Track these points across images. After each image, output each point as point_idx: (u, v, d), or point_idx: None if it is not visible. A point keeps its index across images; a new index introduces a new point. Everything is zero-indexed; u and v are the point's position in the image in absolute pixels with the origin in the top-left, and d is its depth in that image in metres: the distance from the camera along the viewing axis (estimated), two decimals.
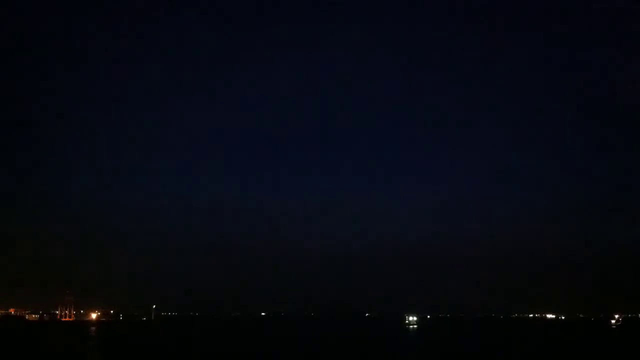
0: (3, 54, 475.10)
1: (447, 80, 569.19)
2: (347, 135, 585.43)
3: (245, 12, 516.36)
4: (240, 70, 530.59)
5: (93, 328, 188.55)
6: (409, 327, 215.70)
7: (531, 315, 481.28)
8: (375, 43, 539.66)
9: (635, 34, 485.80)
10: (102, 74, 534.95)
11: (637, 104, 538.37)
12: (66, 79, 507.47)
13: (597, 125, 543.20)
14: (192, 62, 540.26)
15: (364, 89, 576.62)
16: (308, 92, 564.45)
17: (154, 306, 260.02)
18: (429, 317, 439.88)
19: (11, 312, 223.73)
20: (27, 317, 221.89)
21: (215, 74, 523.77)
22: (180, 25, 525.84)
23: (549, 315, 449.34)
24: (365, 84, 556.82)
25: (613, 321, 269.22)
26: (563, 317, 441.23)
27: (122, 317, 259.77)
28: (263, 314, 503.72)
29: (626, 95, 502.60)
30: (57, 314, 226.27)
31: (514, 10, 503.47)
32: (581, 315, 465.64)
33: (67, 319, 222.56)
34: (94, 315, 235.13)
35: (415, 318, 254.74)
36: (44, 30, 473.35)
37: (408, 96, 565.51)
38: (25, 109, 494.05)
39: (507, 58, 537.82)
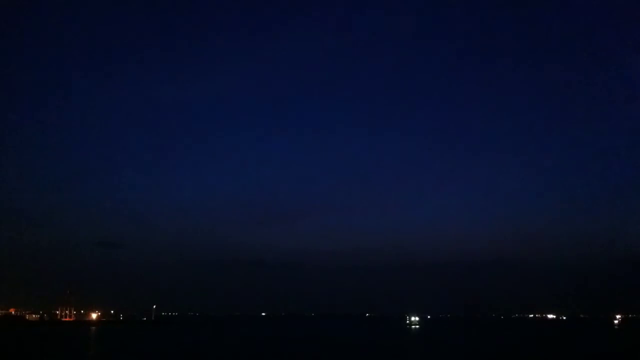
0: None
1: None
2: (347, 134, 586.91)
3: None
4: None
5: (93, 328, 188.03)
6: (411, 327, 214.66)
7: (532, 315, 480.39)
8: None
9: None
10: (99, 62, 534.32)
11: None
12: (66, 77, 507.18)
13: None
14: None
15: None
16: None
17: (154, 306, 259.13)
18: (429, 317, 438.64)
19: (11, 312, 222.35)
20: (27, 317, 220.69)
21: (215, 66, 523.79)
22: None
23: (550, 316, 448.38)
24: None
25: (616, 321, 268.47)
26: (564, 317, 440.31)
27: (122, 317, 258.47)
28: (263, 314, 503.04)
29: None
30: (57, 314, 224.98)
31: None
32: (582, 316, 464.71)
33: (67, 318, 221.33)
34: (94, 315, 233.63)
35: (417, 318, 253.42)
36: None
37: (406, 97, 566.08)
38: (25, 109, 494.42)
39: None
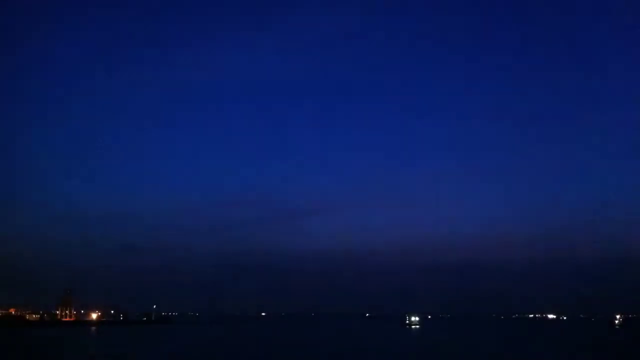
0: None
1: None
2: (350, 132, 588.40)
3: None
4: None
5: (94, 328, 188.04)
6: (411, 327, 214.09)
7: (532, 315, 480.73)
8: None
9: None
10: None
11: None
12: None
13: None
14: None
15: None
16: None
17: (154, 306, 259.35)
18: (429, 317, 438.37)
19: (11, 312, 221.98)
20: (27, 317, 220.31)
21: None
22: None
23: (550, 316, 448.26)
24: None
25: (616, 321, 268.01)
26: (564, 318, 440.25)
27: (122, 317, 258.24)
28: (263, 314, 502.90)
29: None
30: (57, 314, 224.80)
31: None
32: (582, 316, 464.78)
33: (67, 318, 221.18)
34: (94, 315, 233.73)
35: (417, 318, 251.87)
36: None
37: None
38: (31, 107, 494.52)
39: None
